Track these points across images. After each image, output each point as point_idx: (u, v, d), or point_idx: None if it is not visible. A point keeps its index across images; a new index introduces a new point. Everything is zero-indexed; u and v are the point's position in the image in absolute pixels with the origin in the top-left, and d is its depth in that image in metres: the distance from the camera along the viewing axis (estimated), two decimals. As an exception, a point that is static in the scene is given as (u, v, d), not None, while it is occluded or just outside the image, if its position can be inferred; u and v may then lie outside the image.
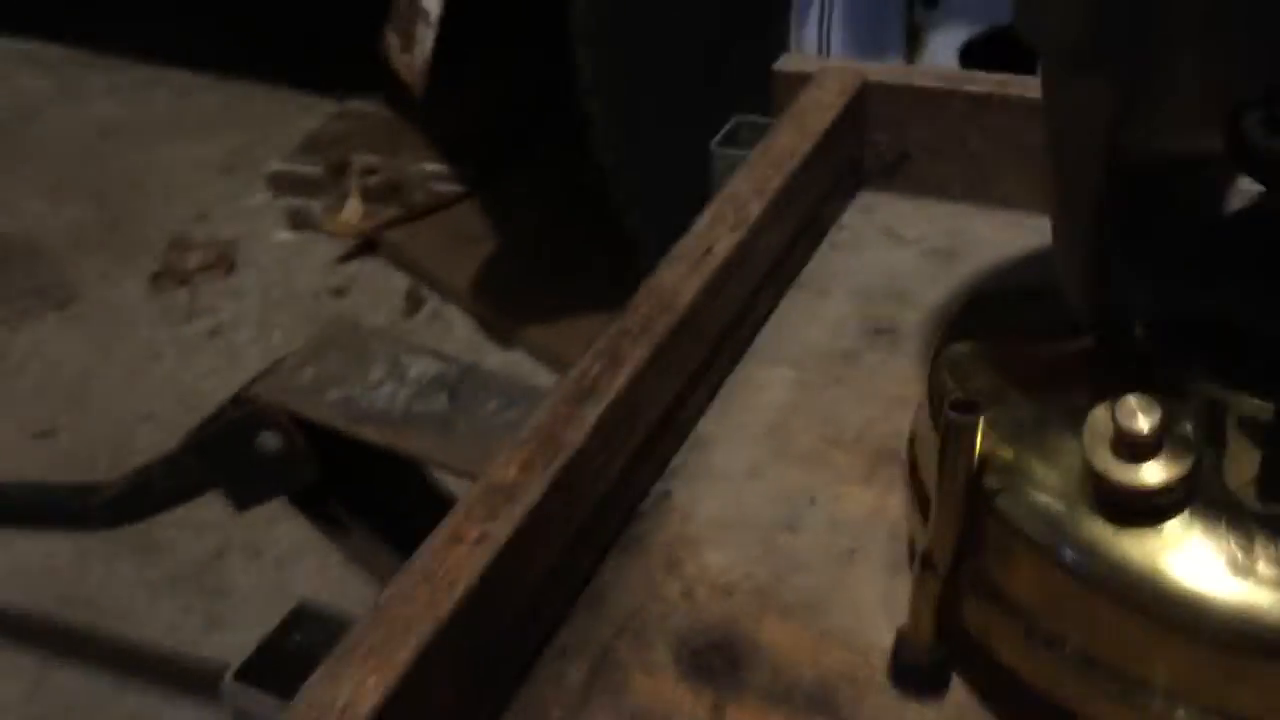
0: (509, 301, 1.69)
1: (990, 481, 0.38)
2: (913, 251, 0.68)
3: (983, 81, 0.69)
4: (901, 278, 0.65)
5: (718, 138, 0.67)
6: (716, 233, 0.56)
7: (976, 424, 0.36)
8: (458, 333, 1.72)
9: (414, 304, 1.78)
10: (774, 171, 0.61)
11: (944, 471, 0.38)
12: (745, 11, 1.01)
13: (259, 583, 1.33)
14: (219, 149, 2.29)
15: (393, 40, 1.14)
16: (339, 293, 1.85)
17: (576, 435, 0.44)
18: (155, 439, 1.56)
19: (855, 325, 0.61)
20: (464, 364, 0.61)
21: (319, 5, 2.70)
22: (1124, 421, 0.34)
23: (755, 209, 0.58)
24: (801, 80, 0.71)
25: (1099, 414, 0.36)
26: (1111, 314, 0.37)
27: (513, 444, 0.43)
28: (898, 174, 0.72)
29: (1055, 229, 0.37)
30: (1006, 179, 0.71)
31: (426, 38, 1.10)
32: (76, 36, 2.70)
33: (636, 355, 0.48)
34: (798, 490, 0.51)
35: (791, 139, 0.64)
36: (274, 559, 1.35)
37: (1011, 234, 0.69)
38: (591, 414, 0.45)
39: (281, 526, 1.30)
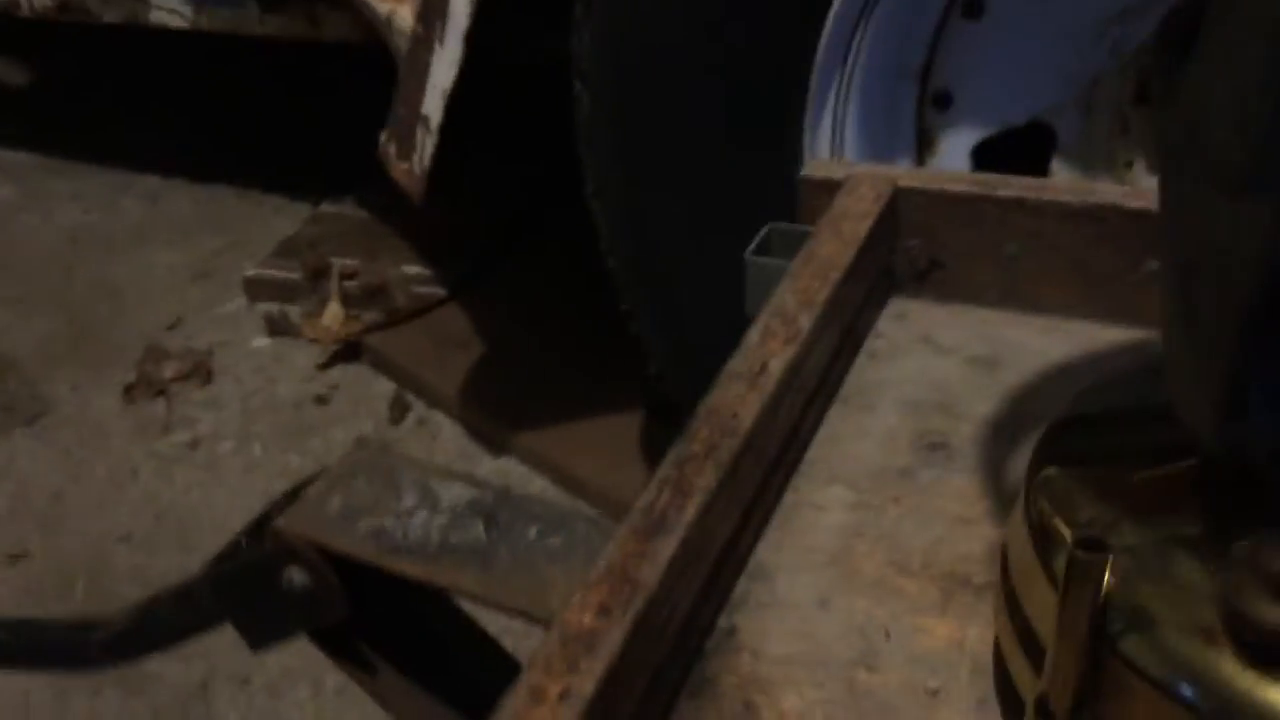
0: (498, 406, 1.65)
1: (1114, 622, 0.35)
2: (953, 360, 0.66)
3: (1014, 185, 0.68)
4: (946, 388, 0.63)
5: (752, 247, 0.65)
6: (770, 349, 0.54)
7: (1105, 563, 0.34)
8: (446, 439, 1.67)
9: (399, 411, 1.74)
10: (819, 283, 0.59)
11: (1066, 612, 0.35)
12: (756, 115, 1.00)
13: (249, 713, 1.26)
14: (191, 255, 2.26)
15: (390, 146, 1.13)
16: (321, 401, 1.81)
17: (650, 573, 0.41)
18: (134, 560, 1.51)
19: (906, 440, 0.59)
20: (497, 489, 0.58)
21: (290, 107, 2.70)
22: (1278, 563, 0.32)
23: (805, 322, 0.56)
24: (829, 187, 0.69)
25: (1240, 550, 0.33)
26: (1237, 440, 0.35)
27: (584, 585, 0.40)
28: (929, 280, 0.71)
29: (1177, 352, 0.35)
30: (1040, 284, 0.69)
31: (427, 145, 1.09)
32: (42, 143, 2.67)
33: (704, 483, 0.45)
34: (870, 622, 0.48)
35: (832, 248, 0.62)
36: (264, 686, 1.28)
37: (1050, 341, 0.67)
38: (663, 549, 0.42)
39: (271, 653, 1.24)
